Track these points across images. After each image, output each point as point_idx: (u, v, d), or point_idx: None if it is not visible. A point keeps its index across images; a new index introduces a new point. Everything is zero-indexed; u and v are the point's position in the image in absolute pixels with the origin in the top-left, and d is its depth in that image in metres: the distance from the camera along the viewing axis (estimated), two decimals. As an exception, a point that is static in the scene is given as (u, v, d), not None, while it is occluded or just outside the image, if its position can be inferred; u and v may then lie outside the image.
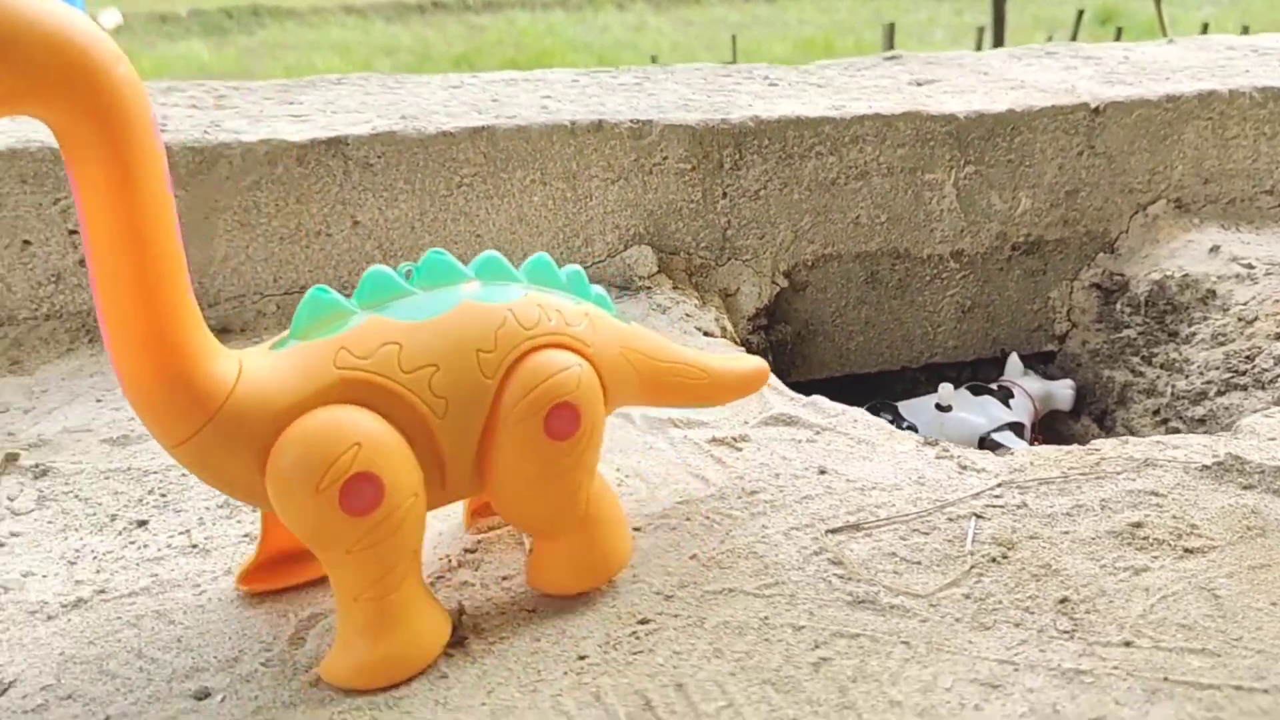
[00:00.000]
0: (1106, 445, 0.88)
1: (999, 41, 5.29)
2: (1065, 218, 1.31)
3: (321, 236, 1.09)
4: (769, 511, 0.79)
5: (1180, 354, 1.22)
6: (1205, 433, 1.13)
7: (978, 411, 1.24)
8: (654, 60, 4.69)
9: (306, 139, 1.06)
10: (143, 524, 0.78)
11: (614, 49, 8.10)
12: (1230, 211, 1.36)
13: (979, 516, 0.77)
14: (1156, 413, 1.22)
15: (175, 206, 0.51)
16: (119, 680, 0.62)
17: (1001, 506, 0.79)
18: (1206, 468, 0.82)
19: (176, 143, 1.04)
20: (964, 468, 0.84)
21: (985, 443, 1.23)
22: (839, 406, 0.95)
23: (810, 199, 1.22)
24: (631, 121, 1.15)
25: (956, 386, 1.36)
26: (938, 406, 1.22)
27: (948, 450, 0.87)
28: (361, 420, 0.54)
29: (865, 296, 1.28)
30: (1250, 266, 1.23)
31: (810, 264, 1.25)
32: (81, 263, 1.05)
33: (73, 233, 1.04)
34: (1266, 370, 1.09)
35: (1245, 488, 0.80)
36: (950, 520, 0.77)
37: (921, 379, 1.39)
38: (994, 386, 1.27)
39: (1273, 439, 0.87)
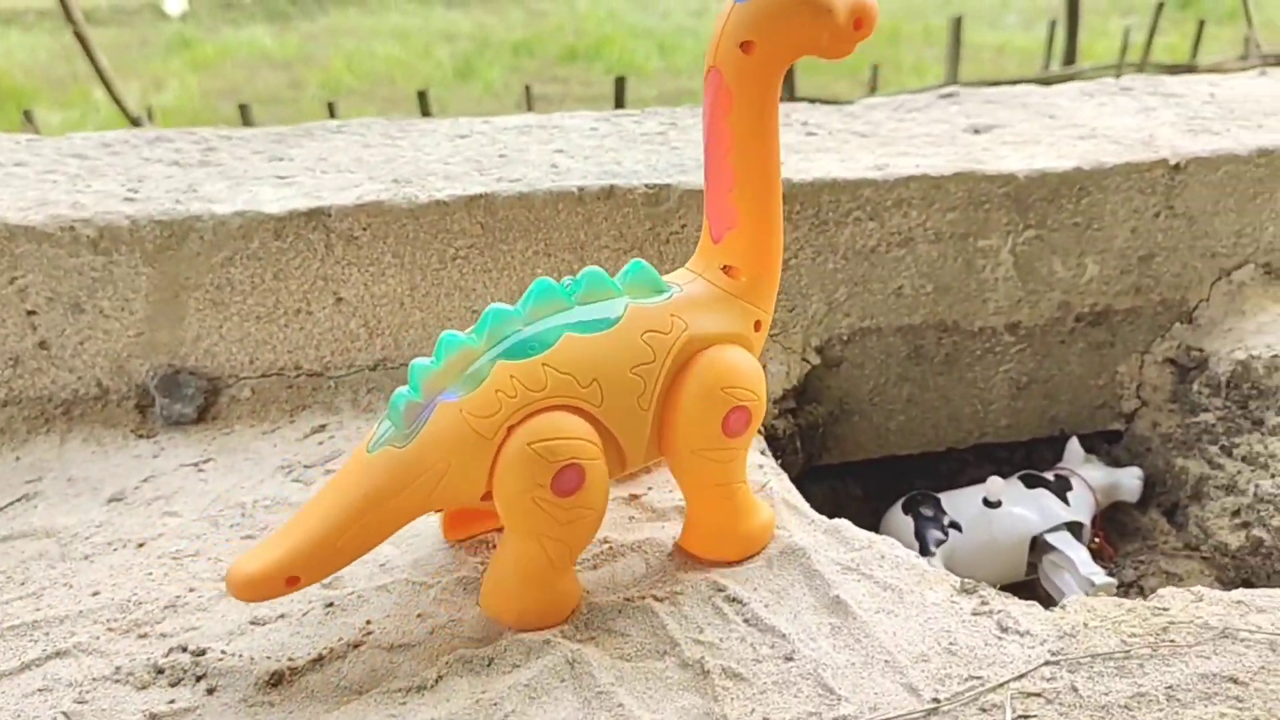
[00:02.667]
0: (1176, 603, 0.75)
1: (1072, 34, 5.05)
2: (1137, 285, 1.17)
3: (301, 315, 1.00)
4: (756, 696, 0.67)
5: (1266, 447, 1.08)
6: (1292, 551, 0.99)
7: (1031, 507, 1.11)
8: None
9: (285, 210, 0.97)
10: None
11: (675, 35, 7.93)
12: (1328, 278, 1.21)
13: (1024, 717, 0.65)
14: (1237, 514, 1.08)
15: None
16: None
17: (1047, 694, 0.66)
18: (1297, 646, 0.69)
19: (144, 215, 0.95)
20: (1004, 630, 0.72)
21: (1038, 544, 1.10)
22: (866, 536, 0.83)
23: (846, 268, 1.09)
24: (646, 186, 1.03)
25: (1009, 470, 1.23)
26: (985, 501, 1.10)
27: (986, 603, 0.75)
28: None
29: (908, 373, 1.16)
30: (1350, 349, 1.08)
31: (846, 339, 1.13)
32: (41, 345, 0.96)
33: (31, 314, 0.95)
34: (1368, 483, 0.95)
35: (1344, 675, 0.67)
36: (983, 711, 0.65)
37: (970, 460, 1.27)
38: (1050, 476, 1.14)
39: None
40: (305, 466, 0.91)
